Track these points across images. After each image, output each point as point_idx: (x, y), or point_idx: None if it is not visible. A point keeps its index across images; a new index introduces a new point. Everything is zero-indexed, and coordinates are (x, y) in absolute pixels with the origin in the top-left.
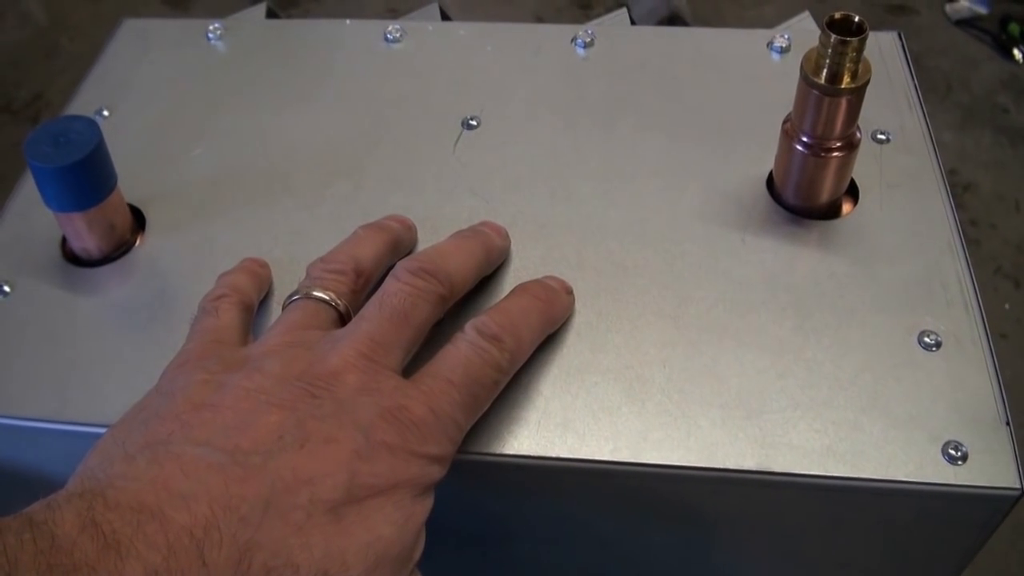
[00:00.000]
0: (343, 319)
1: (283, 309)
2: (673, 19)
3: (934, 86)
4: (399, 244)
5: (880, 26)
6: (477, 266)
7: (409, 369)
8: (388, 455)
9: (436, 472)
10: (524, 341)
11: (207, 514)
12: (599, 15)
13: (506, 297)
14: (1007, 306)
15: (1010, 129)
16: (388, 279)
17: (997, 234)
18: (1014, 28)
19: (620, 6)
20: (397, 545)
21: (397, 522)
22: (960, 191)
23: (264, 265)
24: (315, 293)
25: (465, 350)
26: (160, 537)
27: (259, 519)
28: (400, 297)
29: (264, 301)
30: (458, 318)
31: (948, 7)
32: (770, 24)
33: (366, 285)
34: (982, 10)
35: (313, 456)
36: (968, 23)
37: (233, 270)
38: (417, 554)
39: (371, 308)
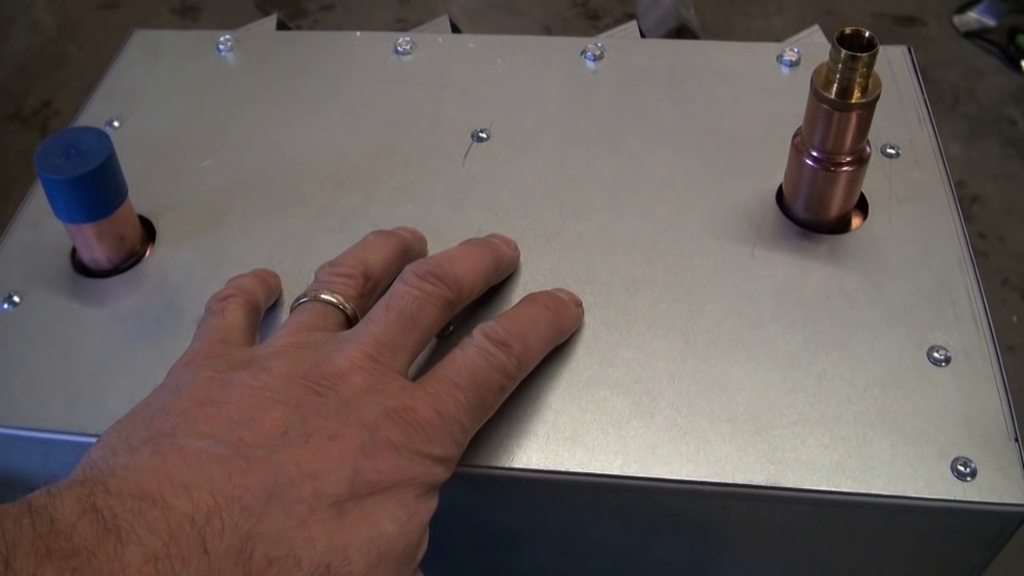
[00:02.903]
0: (350, 322)
1: (291, 311)
2: (682, 30)
3: (942, 98)
4: (409, 251)
5: (889, 37)
6: (485, 273)
7: (416, 375)
8: (392, 453)
9: (441, 473)
10: (532, 348)
11: (209, 502)
12: (608, 25)
13: (515, 305)
14: (1015, 318)
15: (1018, 141)
16: (396, 283)
17: (1005, 246)
18: (1022, 40)
19: (629, 18)
20: (400, 542)
21: (400, 520)
22: (968, 203)
23: (274, 275)
24: (323, 296)
25: (472, 354)
26: (161, 523)
27: (261, 510)
28: (407, 300)
29: (272, 310)
30: (467, 327)
31: (956, 19)
32: (779, 35)
33: (374, 289)
34: (991, 22)
35: (317, 451)
36: (976, 35)
37: (242, 274)
38: (420, 554)
39: (378, 311)
